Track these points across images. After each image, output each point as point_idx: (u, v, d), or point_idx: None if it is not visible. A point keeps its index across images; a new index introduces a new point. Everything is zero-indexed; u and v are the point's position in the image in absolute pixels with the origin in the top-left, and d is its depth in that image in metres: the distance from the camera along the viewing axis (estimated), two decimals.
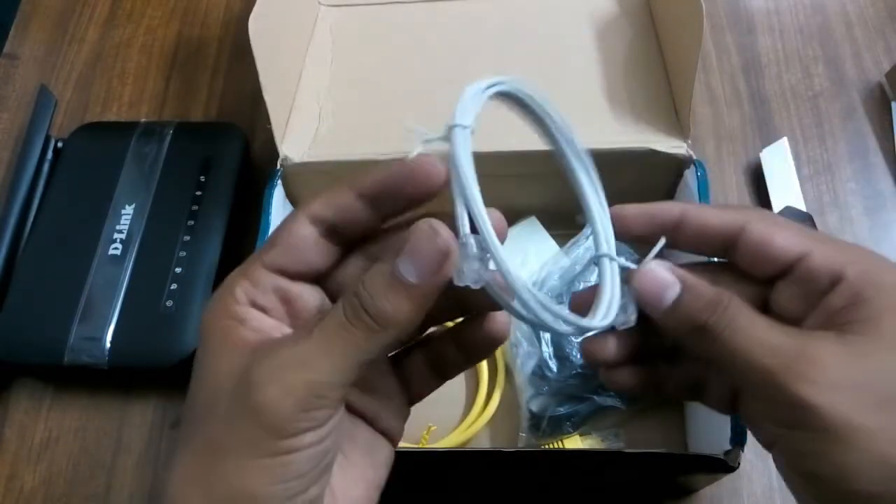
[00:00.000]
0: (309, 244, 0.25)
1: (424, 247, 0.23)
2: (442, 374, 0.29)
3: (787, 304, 0.27)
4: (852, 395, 0.23)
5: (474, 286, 0.23)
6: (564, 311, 0.24)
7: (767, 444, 0.26)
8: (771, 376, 0.24)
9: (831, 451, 0.23)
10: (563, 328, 0.24)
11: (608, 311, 0.26)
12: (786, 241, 0.26)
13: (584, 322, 0.25)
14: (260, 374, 0.23)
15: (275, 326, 0.25)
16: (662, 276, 0.27)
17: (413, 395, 0.29)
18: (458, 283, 0.23)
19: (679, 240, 0.28)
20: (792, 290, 0.26)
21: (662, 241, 0.28)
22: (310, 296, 0.26)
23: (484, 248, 0.23)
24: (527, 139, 0.48)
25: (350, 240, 0.26)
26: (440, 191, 0.25)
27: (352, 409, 0.27)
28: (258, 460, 0.22)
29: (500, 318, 0.27)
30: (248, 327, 0.24)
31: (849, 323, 0.24)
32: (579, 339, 0.30)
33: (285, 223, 0.26)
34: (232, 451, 0.22)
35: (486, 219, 0.23)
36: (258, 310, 0.25)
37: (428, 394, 0.29)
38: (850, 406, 0.23)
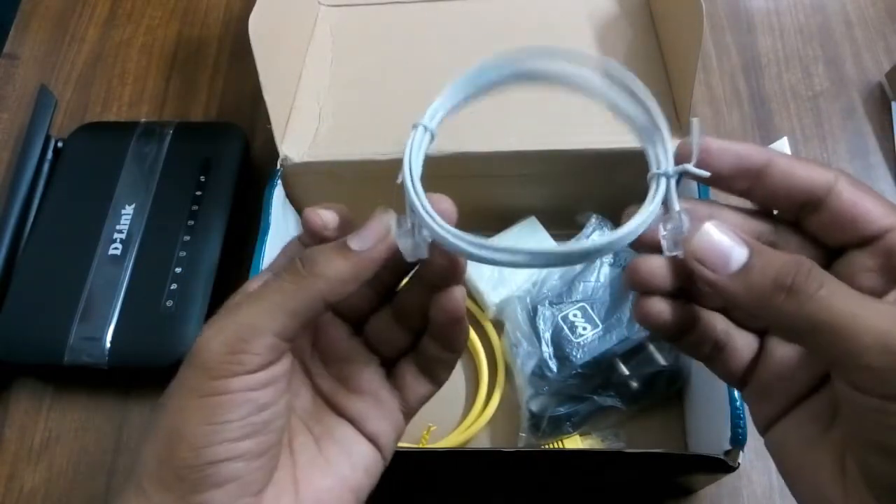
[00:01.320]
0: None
1: (371, 224, 0.26)
2: (432, 376, 0.30)
3: (857, 275, 0.25)
4: None
5: (412, 258, 0.26)
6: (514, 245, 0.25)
7: (841, 412, 0.24)
8: (886, 341, 0.21)
9: None
10: (507, 258, 0.25)
11: (638, 225, 0.24)
12: (876, 209, 0.24)
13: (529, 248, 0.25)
14: (206, 325, 0.25)
15: None
16: (723, 239, 0.24)
17: (409, 402, 0.29)
18: (408, 258, 0.26)
19: (758, 190, 0.26)
20: (869, 261, 0.24)
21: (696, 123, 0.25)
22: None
23: (422, 224, 0.25)
24: (526, 139, 0.48)
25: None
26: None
27: (336, 409, 0.29)
28: (191, 401, 0.24)
29: (452, 293, 0.27)
30: None
31: None
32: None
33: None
34: (172, 395, 0.25)
35: (418, 192, 0.25)
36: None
37: (424, 401, 0.30)
38: None
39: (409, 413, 0.30)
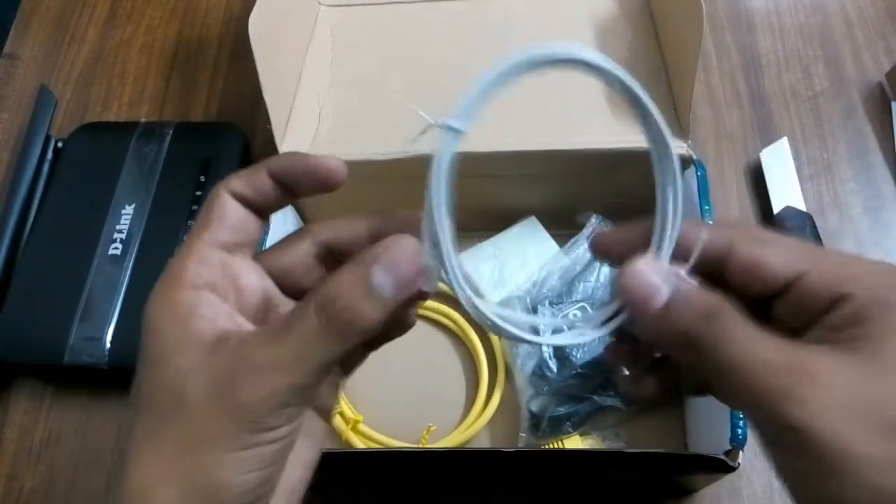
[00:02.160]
0: (240, 216, 0.27)
1: (402, 263, 0.24)
2: (370, 345, 0.29)
3: (786, 318, 0.25)
4: (851, 419, 0.21)
5: (430, 290, 0.25)
6: (537, 319, 0.25)
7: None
8: (764, 396, 0.22)
9: (827, 479, 0.21)
10: (530, 338, 0.25)
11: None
12: (777, 262, 0.24)
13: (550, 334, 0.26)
14: (240, 376, 0.23)
15: (226, 313, 0.25)
16: (649, 277, 0.25)
17: (347, 366, 0.29)
18: (427, 289, 0.25)
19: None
20: (790, 307, 0.25)
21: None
22: (250, 272, 0.27)
23: (442, 264, 0.24)
24: (527, 139, 0.48)
25: (266, 214, 0.28)
26: (339, 187, 0.27)
27: None
28: (235, 453, 0.23)
29: None
30: (200, 317, 0.25)
31: (852, 341, 0.22)
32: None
33: (210, 203, 0.27)
34: (208, 445, 0.23)
35: (450, 249, 0.24)
36: (209, 289, 0.25)
37: (359, 364, 0.30)
38: (848, 431, 0.21)
39: (347, 374, 0.30)
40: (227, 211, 0.27)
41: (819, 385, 0.21)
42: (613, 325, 0.27)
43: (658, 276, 0.25)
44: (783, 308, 0.25)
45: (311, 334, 0.24)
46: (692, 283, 0.25)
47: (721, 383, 0.24)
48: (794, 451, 0.21)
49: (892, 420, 0.21)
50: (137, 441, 0.24)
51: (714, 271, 0.26)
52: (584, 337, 0.27)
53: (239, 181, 0.27)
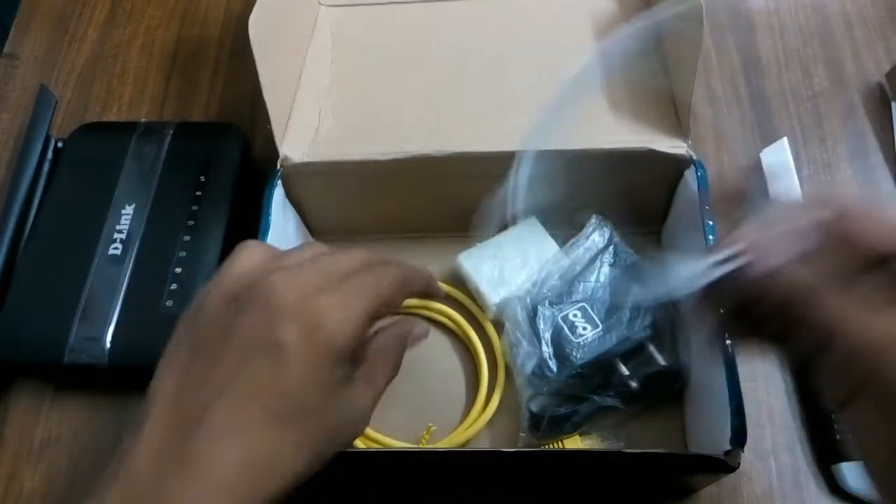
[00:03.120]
0: None
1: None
2: None
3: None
4: None
5: None
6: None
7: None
8: (870, 356, 0.23)
9: None
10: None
11: None
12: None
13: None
14: (319, 311, 0.30)
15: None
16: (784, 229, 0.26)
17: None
18: None
19: None
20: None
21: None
22: None
23: None
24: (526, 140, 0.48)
25: None
26: None
27: None
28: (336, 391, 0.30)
29: None
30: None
31: None
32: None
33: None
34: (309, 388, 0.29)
35: None
36: None
37: None
38: None
39: None
40: None
41: None
42: (726, 268, 0.27)
43: (790, 233, 0.26)
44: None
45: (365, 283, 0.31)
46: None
47: (815, 333, 0.25)
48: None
49: None
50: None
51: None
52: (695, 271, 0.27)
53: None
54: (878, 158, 0.58)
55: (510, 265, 0.50)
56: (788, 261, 0.25)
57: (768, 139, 0.58)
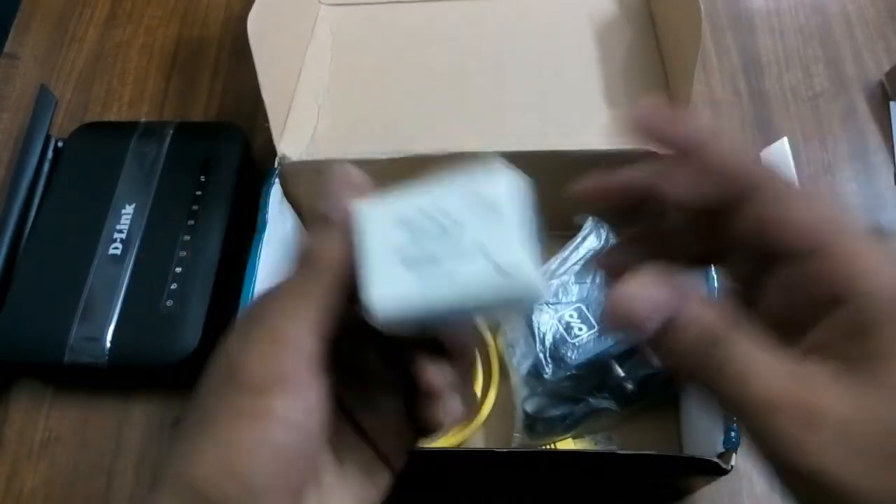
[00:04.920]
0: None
1: (332, 180, 0.25)
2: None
3: (791, 287, 0.23)
4: (863, 457, 0.20)
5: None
6: None
7: None
8: (772, 438, 0.20)
9: None
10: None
11: None
12: (794, 232, 0.22)
13: None
14: (235, 335, 0.24)
15: None
16: (646, 297, 0.22)
17: (420, 431, 0.28)
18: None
19: (699, 162, 0.24)
20: (800, 279, 0.22)
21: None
22: None
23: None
24: (526, 139, 0.48)
25: None
26: None
27: (353, 425, 0.27)
28: (239, 421, 0.22)
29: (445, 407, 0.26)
30: None
31: (858, 357, 0.21)
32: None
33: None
34: (216, 415, 0.23)
35: None
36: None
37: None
38: (860, 469, 0.20)
39: (419, 438, 0.28)
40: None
41: (831, 426, 0.20)
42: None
43: (651, 296, 0.22)
44: (792, 274, 0.23)
45: (284, 286, 0.24)
46: (694, 299, 0.22)
47: (724, 409, 0.22)
48: (805, 487, 0.20)
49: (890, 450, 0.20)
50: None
51: (730, 204, 0.23)
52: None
53: None
54: (878, 158, 0.58)
55: None
56: (673, 318, 0.22)
57: (768, 139, 0.58)
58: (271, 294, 0.25)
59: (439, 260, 0.23)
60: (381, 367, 0.28)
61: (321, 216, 0.25)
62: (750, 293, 0.24)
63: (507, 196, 0.25)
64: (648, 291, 0.22)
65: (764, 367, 0.21)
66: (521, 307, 0.24)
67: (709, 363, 0.21)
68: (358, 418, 0.27)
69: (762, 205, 0.23)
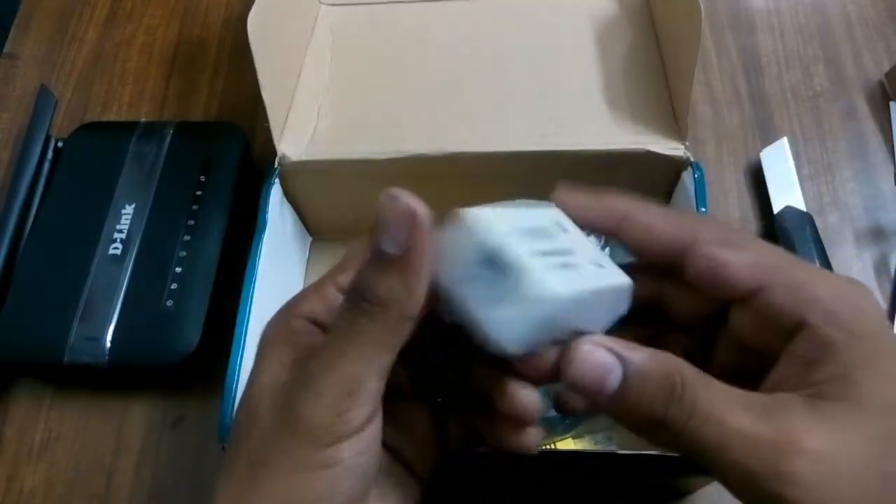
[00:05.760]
0: None
1: (391, 214, 0.22)
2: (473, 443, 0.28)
3: (743, 329, 0.24)
4: (842, 488, 0.20)
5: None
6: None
7: None
8: (753, 478, 0.20)
9: None
10: None
11: None
12: (739, 269, 0.23)
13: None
14: (294, 382, 0.23)
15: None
16: (599, 359, 0.22)
17: (449, 443, 0.28)
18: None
19: (624, 240, 0.25)
20: (749, 318, 0.23)
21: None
22: None
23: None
24: (526, 139, 0.48)
25: None
26: None
27: (390, 449, 0.27)
28: (301, 474, 0.22)
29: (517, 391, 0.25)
30: (295, 342, 0.24)
31: (823, 382, 0.21)
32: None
33: (356, 245, 0.26)
34: (274, 467, 0.22)
35: None
36: (320, 327, 0.25)
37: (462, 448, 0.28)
38: (841, 500, 0.20)
39: (448, 452, 0.28)
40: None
41: (806, 458, 0.20)
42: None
43: (606, 352, 0.22)
44: (742, 317, 0.23)
45: (344, 325, 0.23)
46: (644, 354, 0.22)
47: (697, 459, 0.22)
48: None
49: (878, 478, 0.20)
50: (224, 465, 0.24)
51: (671, 265, 0.24)
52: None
53: None
54: (878, 158, 0.58)
55: None
56: (627, 376, 0.22)
57: (768, 139, 0.58)
58: (337, 335, 0.23)
59: (574, 266, 0.22)
60: (411, 386, 0.28)
61: (383, 254, 0.22)
62: (701, 356, 0.24)
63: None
64: (595, 355, 0.22)
65: (737, 403, 0.21)
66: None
67: (680, 407, 0.21)
68: (390, 439, 0.27)
69: (704, 256, 0.23)
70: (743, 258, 0.23)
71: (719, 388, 0.22)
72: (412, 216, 0.22)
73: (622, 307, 0.24)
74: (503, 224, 0.22)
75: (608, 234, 0.25)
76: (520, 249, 0.21)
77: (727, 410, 0.21)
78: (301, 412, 0.22)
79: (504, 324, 0.21)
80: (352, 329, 0.22)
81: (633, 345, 0.23)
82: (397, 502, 0.26)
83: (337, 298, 0.25)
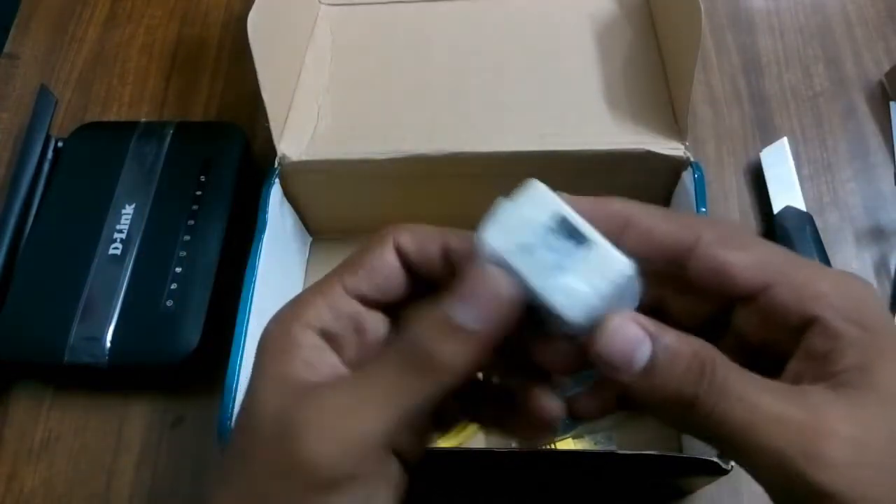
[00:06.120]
0: (394, 273, 0.24)
1: (480, 288, 0.21)
2: (476, 418, 0.27)
3: (748, 329, 0.24)
4: (873, 472, 0.20)
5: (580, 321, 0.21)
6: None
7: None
8: (784, 460, 0.20)
9: None
10: None
11: None
12: (743, 271, 0.23)
13: None
14: (301, 420, 0.21)
15: (331, 365, 0.24)
16: (629, 332, 0.22)
17: (442, 424, 0.27)
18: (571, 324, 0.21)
19: (626, 244, 0.24)
20: (755, 318, 0.23)
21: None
22: (379, 327, 0.25)
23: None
24: (526, 139, 0.48)
25: (421, 281, 0.25)
26: None
27: None
28: None
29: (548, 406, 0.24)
30: (301, 360, 0.23)
31: (842, 372, 0.21)
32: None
33: (373, 247, 0.25)
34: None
35: None
36: (327, 338, 0.24)
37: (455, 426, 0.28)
38: (869, 486, 0.20)
39: (441, 430, 0.28)
40: (382, 264, 0.24)
41: (838, 441, 0.20)
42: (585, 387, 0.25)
43: (637, 327, 0.22)
44: (747, 317, 0.23)
45: (386, 373, 0.22)
46: (675, 334, 0.22)
47: (724, 443, 0.21)
48: None
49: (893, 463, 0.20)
50: (222, 479, 0.23)
51: (675, 267, 0.24)
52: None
53: (410, 237, 0.25)
54: (878, 158, 0.58)
55: None
56: (657, 353, 0.21)
57: (768, 139, 0.58)
58: (373, 380, 0.22)
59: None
60: None
61: (458, 321, 0.21)
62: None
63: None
64: (626, 329, 0.22)
65: (767, 388, 0.21)
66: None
67: (710, 388, 0.21)
68: None
69: (707, 257, 0.23)
70: (746, 257, 0.23)
71: (749, 374, 0.21)
72: (501, 298, 0.21)
73: (636, 299, 0.24)
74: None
75: (611, 238, 0.25)
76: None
77: (758, 394, 0.21)
78: (307, 457, 0.21)
79: (571, 292, 0.21)
80: (389, 379, 0.22)
81: (663, 325, 0.22)
82: (385, 490, 0.25)
83: (346, 304, 0.24)
